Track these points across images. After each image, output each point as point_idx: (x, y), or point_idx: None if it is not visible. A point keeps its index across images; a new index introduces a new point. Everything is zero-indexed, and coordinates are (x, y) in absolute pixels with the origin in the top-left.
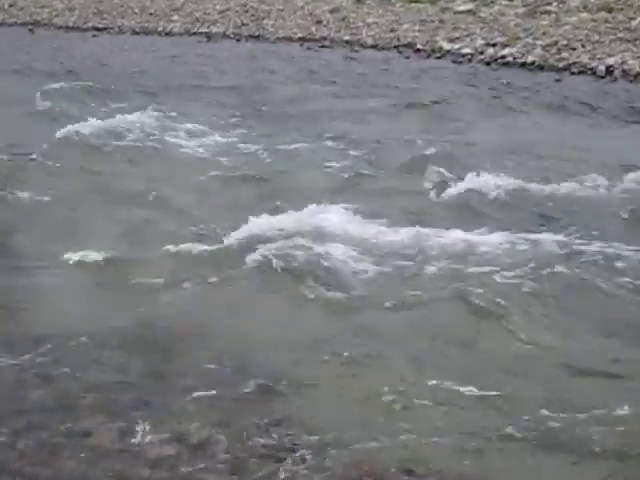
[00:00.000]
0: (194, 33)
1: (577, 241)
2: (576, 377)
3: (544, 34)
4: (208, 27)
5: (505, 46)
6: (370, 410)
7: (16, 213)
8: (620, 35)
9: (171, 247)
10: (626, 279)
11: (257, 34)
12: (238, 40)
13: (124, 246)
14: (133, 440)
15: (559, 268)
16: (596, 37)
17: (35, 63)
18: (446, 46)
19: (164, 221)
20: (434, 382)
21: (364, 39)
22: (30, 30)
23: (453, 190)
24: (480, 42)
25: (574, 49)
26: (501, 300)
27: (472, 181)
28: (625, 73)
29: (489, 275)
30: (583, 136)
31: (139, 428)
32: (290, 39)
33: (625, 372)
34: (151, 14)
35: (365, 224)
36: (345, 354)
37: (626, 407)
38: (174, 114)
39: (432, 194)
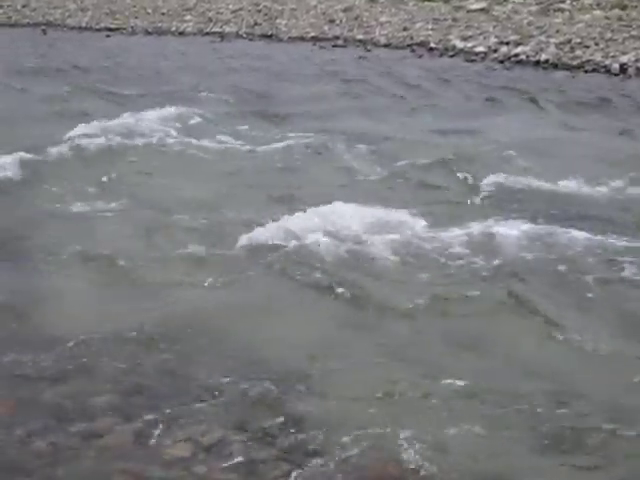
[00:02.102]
0: (207, 33)
1: (595, 239)
2: (596, 376)
3: (557, 32)
4: (221, 27)
5: (518, 44)
6: (387, 411)
7: (30, 212)
8: (634, 33)
9: (185, 246)
10: None
11: (270, 33)
12: (251, 40)
13: (138, 246)
14: (148, 441)
15: (582, 266)
16: (609, 35)
17: (48, 63)
18: (459, 45)
19: (178, 220)
20: (454, 382)
21: (377, 38)
22: (43, 31)
23: (471, 187)
24: (493, 40)
25: (587, 47)
26: (522, 297)
27: (489, 179)
28: (639, 71)
29: (510, 272)
30: (598, 134)
31: (154, 429)
32: (303, 38)
33: None
34: (164, 14)
35: (385, 221)
36: (363, 354)
37: None
38: (188, 114)
39: (451, 191)
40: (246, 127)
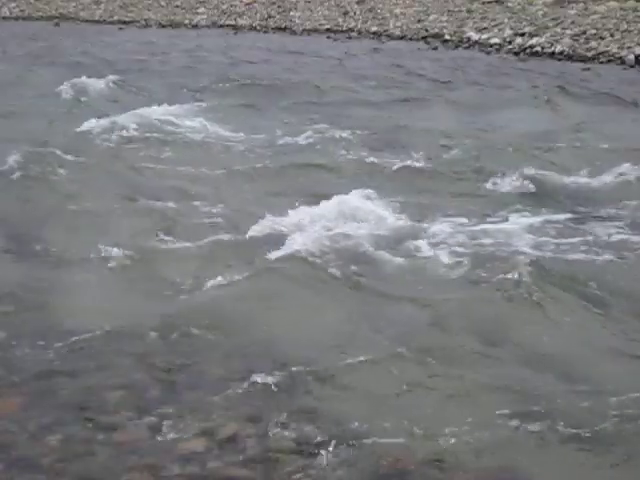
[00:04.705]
0: (221, 26)
1: (614, 231)
2: (609, 368)
3: (572, 23)
4: (234, 19)
5: (533, 36)
6: (400, 402)
7: (43, 207)
8: None
9: (199, 240)
10: None
11: (284, 26)
12: (265, 32)
13: (151, 239)
14: (162, 435)
15: (601, 259)
16: (625, 26)
17: (61, 57)
18: (474, 36)
19: (191, 213)
20: (465, 373)
21: (391, 30)
22: (56, 24)
23: (487, 180)
24: (508, 32)
25: (603, 38)
26: (534, 289)
27: (505, 171)
28: None
29: (520, 265)
30: (613, 125)
31: (168, 423)
32: (317, 31)
33: None
34: (177, 7)
35: (399, 214)
36: (376, 346)
37: None
38: (202, 107)
39: (466, 183)
40: (261, 120)
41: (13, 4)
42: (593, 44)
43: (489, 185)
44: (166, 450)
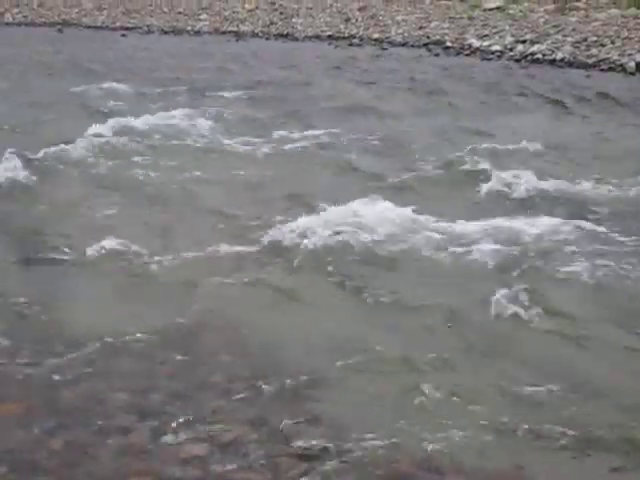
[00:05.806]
0: (223, 32)
1: (615, 237)
2: (612, 373)
3: (573, 30)
4: (237, 26)
5: (534, 43)
6: (403, 409)
7: (49, 211)
8: None
9: (202, 245)
10: None
11: (286, 32)
12: (267, 39)
13: (156, 244)
14: (164, 439)
15: (599, 264)
16: (626, 33)
17: (65, 63)
18: (475, 43)
19: (197, 218)
20: (470, 380)
21: (393, 37)
22: (59, 30)
23: (487, 187)
24: (509, 39)
25: (604, 45)
26: (537, 293)
27: (505, 178)
28: None
29: (525, 268)
30: (613, 133)
31: (170, 427)
32: (319, 37)
33: None
34: (180, 13)
35: (403, 220)
36: (379, 353)
37: None
38: (206, 113)
39: (468, 190)
40: (263, 127)
41: (16, 10)
42: (594, 51)
43: (495, 190)
44: (168, 454)
